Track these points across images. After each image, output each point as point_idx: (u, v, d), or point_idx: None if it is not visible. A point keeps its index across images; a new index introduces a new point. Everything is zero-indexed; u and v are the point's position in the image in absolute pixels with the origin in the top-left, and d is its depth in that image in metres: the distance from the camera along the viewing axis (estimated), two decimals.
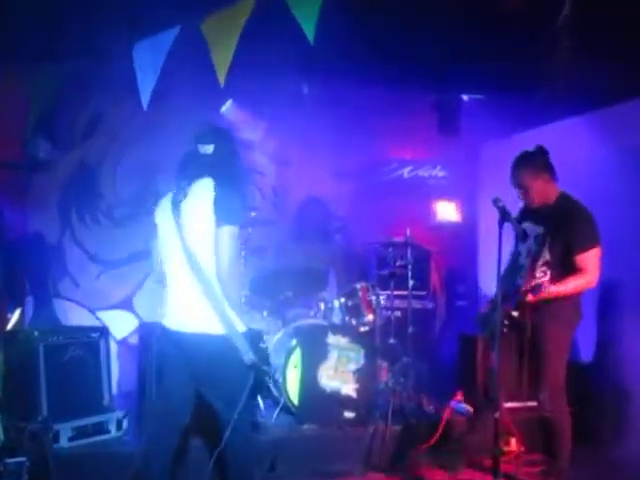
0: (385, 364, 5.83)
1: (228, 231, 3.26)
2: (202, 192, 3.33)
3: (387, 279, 6.08)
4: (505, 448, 4.88)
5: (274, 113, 7.05)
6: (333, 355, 5.22)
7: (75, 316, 6.47)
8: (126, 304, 6.81)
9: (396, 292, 6.10)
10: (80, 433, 4.62)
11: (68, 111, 6.54)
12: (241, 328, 3.30)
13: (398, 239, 6.20)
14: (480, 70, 5.74)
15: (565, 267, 4.17)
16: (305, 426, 5.09)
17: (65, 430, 4.53)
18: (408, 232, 6.07)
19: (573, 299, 4.25)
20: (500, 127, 6.81)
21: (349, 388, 5.22)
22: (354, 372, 5.25)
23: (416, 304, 6.30)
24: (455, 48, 5.28)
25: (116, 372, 6.07)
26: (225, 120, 6.89)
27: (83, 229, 6.70)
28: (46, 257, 6.53)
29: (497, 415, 3.81)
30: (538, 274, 4.16)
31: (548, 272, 4.13)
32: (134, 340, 6.48)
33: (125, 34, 4.32)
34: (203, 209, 3.28)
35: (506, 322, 4.18)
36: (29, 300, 6.42)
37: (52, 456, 4.18)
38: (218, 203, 3.27)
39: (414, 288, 6.21)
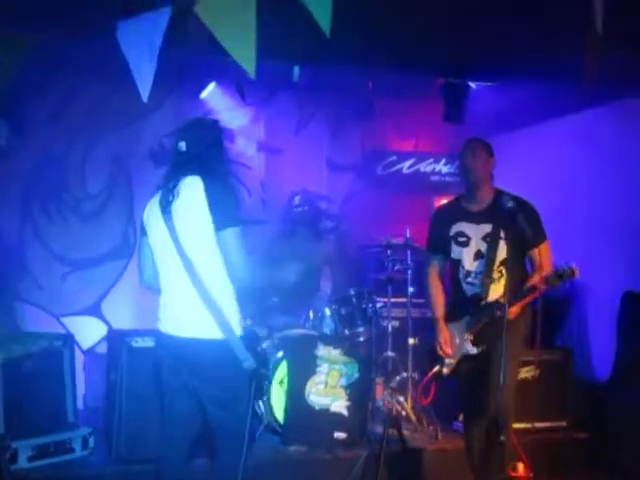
0: (381, 379, 5.86)
1: (232, 233, 3.37)
2: (192, 193, 3.42)
3: (384, 284, 6.12)
4: (512, 474, 4.93)
5: (262, 98, 7.08)
6: (323, 369, 5.24)
7: (37, 322, 6.45)
8: (94, 309, 6.83)
9: (394, 299, 6.14)
10: (41, 452, 4.62)
11: (31, 92, 6.45)
12: (238, 332, 3.42)
13: (397, 240, 6.23)
14: (491, 55, 5.76)
15: (521, 264, 4.29)
16: (291, 448, 5.12)
17: (24, 449, 4.53)
18: (408, 233, 6.10)
19: (527, 306, 4.27)
20: (511, 119, 6.87)
21: (340, 405, 5.25)
22: (346, 387, 5.28)
23: (416, 313, 6.33)
24: (465, 29, 5.29)
25: (82, 385, 6.07)
26: (207, 106, 6.93)
27: (47, 225, 6.69)
28: (4, 255, 6.52)
29: (503, 438, 3.83)
30: (495, 275, 4.23)
31: (504, 272, 4.16)
32: (102, 349, 6.46)
33: (101, 9, 4.29)
34: (197, 211, 3.38)
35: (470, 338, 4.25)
36: None
37: (9, 477, 4.19)
38: (214, 206, 3.36)
39: (414, 295, 6.24)
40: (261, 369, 3.43)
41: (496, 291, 4.22)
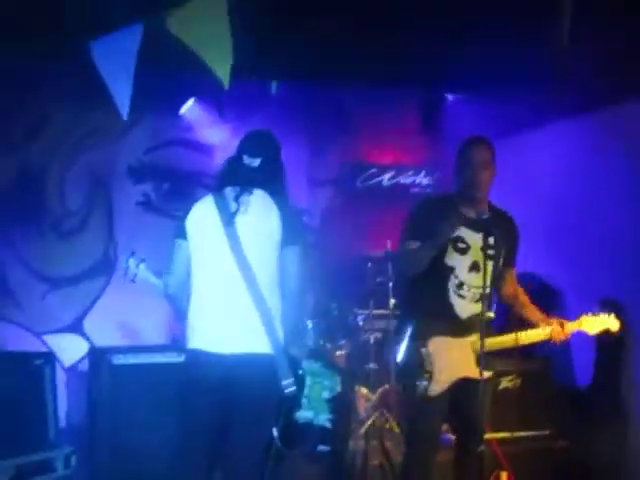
0: (365, 392, 5.86)
1: (295, 251, 3.43)
2: (264, 207, 3.43)
3: (366, 297, 6.13)
4: None
5: (239, 114, 7.10)
6: (306, 382, 5.23)
7: (17, 340, 6.39)
8: (76, 327, 6.78)
9: (376, 311, 6.15)
10: (23, 472, 4.60)
11: (6, 110, 6.43)
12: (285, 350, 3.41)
13: (378, 253, 6.25)
14: (467, 68, 5.81)
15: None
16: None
17: (5, 469, 4.51)
18: (389, 245, 6.12)
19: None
20: (488, 131, 6.91)
21: (324, 419, 5.26)
22: (329, 401, 5.27)
23: None
24: (440, 44, 5.35)
25: (64, 403, 6.04)
26: (186, 122, 6.95)
27: (26, 243, 6.62)
28: None
29: (482, 448, 3.74)
30: (487, 291, 3.73)
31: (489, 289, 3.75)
32: (84, 367, 6.43)
33: (76, 29, 4.30)
34: (268, 226, 3.40)
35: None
36: None
37: None
38: (287, 222, 3.40)
39: (396, 307, 6.26)
40: (298, 393, 3.46)
41: (477, 309, 3.82)
